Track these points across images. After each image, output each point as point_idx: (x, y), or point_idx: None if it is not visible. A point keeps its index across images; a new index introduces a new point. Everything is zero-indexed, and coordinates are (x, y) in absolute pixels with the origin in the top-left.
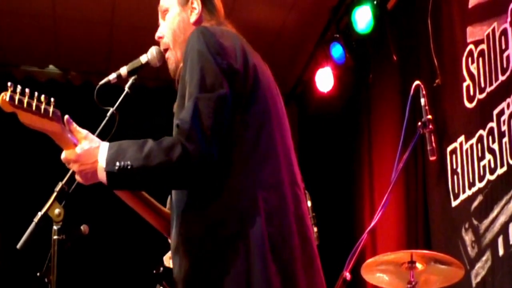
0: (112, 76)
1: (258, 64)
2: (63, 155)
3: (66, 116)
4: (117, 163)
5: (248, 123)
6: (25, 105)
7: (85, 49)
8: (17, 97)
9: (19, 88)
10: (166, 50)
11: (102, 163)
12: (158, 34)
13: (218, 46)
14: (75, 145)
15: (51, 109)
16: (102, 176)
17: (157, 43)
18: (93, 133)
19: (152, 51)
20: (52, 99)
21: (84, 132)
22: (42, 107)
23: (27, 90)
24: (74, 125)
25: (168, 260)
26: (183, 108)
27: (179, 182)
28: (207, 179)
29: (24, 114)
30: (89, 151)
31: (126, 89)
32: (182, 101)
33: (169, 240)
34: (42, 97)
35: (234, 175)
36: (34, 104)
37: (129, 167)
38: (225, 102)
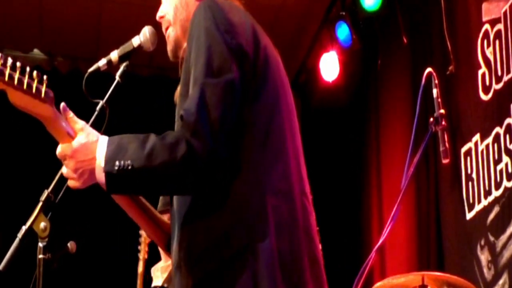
0: (102, 63)
1: (269, 47)
2: (59, 150)
3: (63, 104)
4: (117, 162)
5: (257, 115)
6: (15, 81)
7: (72, 29)
8: (7, 71)
9: (9, 60)
10: (167, 29)
11: (100, 161)
12: (159, 13)
13: (227, 23)
14: (70, 136)
15: (43, 89)
16: (100, 177)
17: (152, 23)
18: None
19: (145, 31)
20: (45, 77)
21: (81, 123)
22: (34, 85)
23: (18, 63)
24: (71, 114)
25: (155, 272)
26: (187, 96)
27: (183, 185)
28: (213, 182)
29: (14, 93)
30: (87, 145)
31: (117, 78)
32: (185, 88)
33: (160, 251)
34: (34, 73)
35: (241, 178)
36: (25, 82)
37: (130, 167)
38: (233, 89)
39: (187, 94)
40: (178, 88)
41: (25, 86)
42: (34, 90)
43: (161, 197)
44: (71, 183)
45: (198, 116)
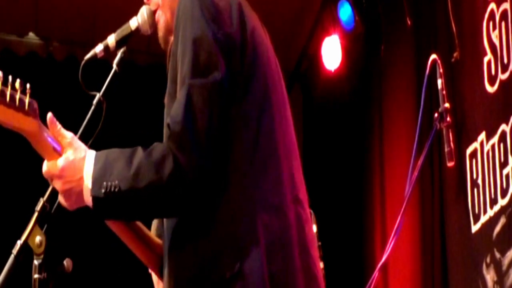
0: (99, 49)
1: (258, 30)
2: (45, 168)
3: (50, 115)
4: (104, 183)
5: (245, 117)
6: None
7: (68, 11)
8: None
9: None
10: (155, 11)
11: (88, 182)
12: None
13: (213, 9)
14: (56, 152)
15: (27, 100)
16: (88, 200)
17: None
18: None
19: (143, 12)
20: (28, 86)
21: (69, 136)
22: (17, 96)
23: (0, 73)
24: (58, 126)
25: None
26: (175, 96)
27: (173, 206)
28: (202, 199)
29: None
30: (74, 163)
31: (114, 66)
32: (173, 87)
33: (154, 280)
34: (17, 82)
35: (229, 192)
36: (8, 93)
37: (116, 189)
38: (221, 89)
39: (175, 93)
40: (167, 89)
41: (8, 99)
42: (17, 103)
43: None
44: (61, 199)
45: (184, 125)
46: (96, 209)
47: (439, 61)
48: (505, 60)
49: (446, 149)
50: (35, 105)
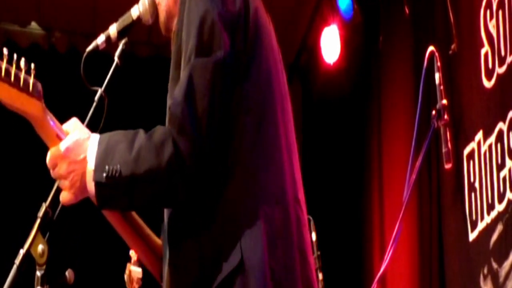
0: (100, 40)
1: (261, 12)
2: (48, 155)
3: None
4: (106, 167)
5: (247, 101)
6: (3, 73)
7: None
8: None
9: None
10: None
11: (91, 165)
12: None
13: None
14: (59, 139)
15: (31, 81)
16: (90, 186)
17: None
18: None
19: (144, 0)
20: (32, 66)
21: (72, 120)
22: (22, 76)
23: (5, 51)
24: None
25: None
26: (178, 81)
27: (170, 193)
28: (201, 186)
29: (1, 86)
30: (79, 142)
31: (116, 59)
32: (177, 71)
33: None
34: (22, 61)
35: (231, 182)
36: (12, 72)
37: (117, 174)
38: (223, 70)
39: (178, 77)
40: (170, 73)
41: (12, 78)
42: (21, 83)
43: None
44: (63, 195)
45: (185, 108)
46: (98, 195)
47: (436, 54)
48: (503, 53)
49: (443, 150)
50: (40, 86)
